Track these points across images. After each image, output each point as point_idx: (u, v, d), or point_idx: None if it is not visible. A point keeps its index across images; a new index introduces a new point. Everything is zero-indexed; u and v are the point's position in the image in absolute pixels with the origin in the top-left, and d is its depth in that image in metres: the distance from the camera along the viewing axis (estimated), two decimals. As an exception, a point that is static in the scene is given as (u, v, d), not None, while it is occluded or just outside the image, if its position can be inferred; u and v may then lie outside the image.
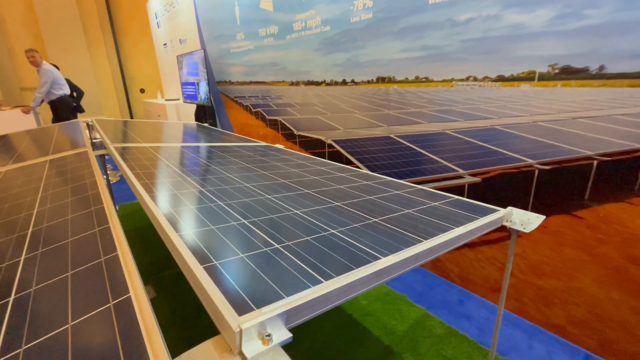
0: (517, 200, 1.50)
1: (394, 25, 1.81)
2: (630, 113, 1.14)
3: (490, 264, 1.68)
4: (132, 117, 7.35)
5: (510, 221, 0.91)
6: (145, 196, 0.78)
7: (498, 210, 0.92)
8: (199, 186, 0.94)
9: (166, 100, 5.33)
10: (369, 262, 0.55)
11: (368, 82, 2.06)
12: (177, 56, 4.16)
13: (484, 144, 1.56)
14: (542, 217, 0.92)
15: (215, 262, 0.50)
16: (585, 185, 1.29)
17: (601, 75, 1.17)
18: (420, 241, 0.65)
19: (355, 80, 2.14)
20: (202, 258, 0.51)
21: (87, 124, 2.45)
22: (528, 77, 1.35)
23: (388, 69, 1.91)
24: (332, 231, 0.67)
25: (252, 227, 0.66)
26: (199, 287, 0.44)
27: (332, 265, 0.53)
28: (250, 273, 0.49)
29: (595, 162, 1.24)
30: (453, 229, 0.74)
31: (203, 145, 1.83)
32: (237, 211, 0.75)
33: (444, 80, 1.65)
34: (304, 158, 1.55)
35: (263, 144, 2.02)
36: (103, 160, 2.51)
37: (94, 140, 2.19)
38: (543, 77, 1.31)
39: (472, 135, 1.60)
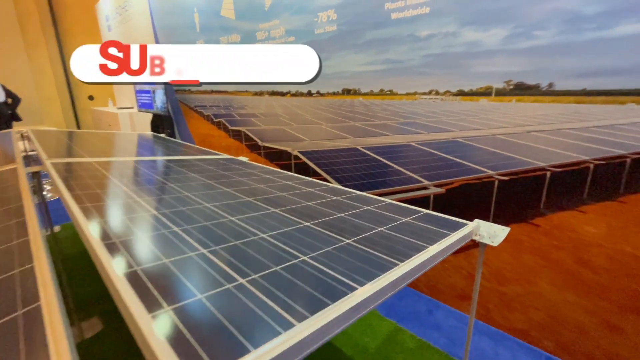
0: (479, 210, 1.55)
1: (358, 38, 1.82)
2: (576, 127, 1.23)
3: (457, 272, 1.72)
4: (79, 127, 6.76)
5: (479, 235, 0.91)
6: (84, 223, 0.67)
7: (467, 224, 0.92)
8: (151, 209, 0.84)
9: (118, 108, 4.96)
10: (346, 294, 0.50)
11: (334, 93, 2.05)
12: (131, 62, 3.90)
13: (447, 156, 1.60)
14: (507, 229, 0.94)
15: (167, 308, 0.42)
16: (540, 195, 1.36)
17: (551, 92, 1.25)
18: (397, 264, 0.62)
19: (321, 91, 2.13)
20: (150, 303, 0.43)
21: (22, 135, 2.17)
22: (486, 92, 1.42)
23: (353, 81, 1.92)
24: (303, 257, 0.62)
25: (212, 257, 0.59)
26: (145, 344, 0.37)
27: (305, 301, 0.47)
28: (209, 320, 0.41)
29: (548, 173, 1.32)
30: (427, 247, 0.72)
31: (158, 159, 1.69)
32: (196, 238, 0.67)
33: (407, 94, 1.69)
34: (269, 172, 1.49)
35: (226, 156, 1.92)
36: (38, 177, 2.24)
37: (29, 154, 1.94)
38: (499, 93, 1.38)
39: (436, 147, 1.64)
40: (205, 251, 0.61)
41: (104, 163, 1.38)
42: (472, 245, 1.23)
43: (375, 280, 0.55)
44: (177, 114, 3.96)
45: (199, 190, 1.07)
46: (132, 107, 4.78)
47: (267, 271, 0.55)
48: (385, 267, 0.60)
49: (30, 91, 5.68)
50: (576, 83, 1.19)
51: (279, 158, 2.61)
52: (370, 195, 1.15)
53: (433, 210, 0.95)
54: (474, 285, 1.01)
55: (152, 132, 4.00)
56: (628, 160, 1.15)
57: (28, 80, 5.69)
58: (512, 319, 1.55)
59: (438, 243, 0.75)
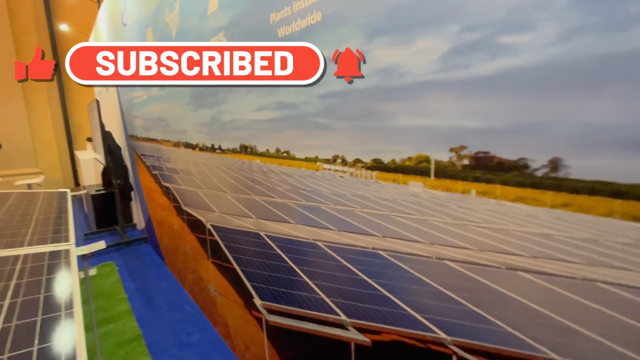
0: (429, 404, 0.74)
1: (247, 70, 1.18)
2: (634, 282, 0.44)
3: None
4: (75, 172, 6.64)
5: None
6: None
7: None
8: None
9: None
10: None
11: (233, 150, 1.39)
12: (88, 105, 3.58)
13: (368, 280, 0.84)
14: None
15: None
16: None
17: (557, 183, 0.49)
18: None
19: (222, 147, 1.48)
20: None
21: None
22: (419, 169, 0.67)
23: (248, 134, 1.25)
24: None
25: None
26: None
27: None
28: None
29: (570, 382, 0.51)
30: None
31: None
32: None
33: (307, 159, 0.98)
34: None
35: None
36: None
37: None
38: (443, 172, 0.63)
39: (351, 259, 0.89)
40: None
41: None
42: None
43: None
44: (133, 163, 3.51)
45: None
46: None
47: None
48: None
49: (23, 135, 5.66)
50: (623, 163, 0.43)
51: (197, 228, 1.95)
52: None
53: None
54: None
55: (101, 184, 3.56)
56: None
57: (22, 125, 5.69)
58: None
59: None
